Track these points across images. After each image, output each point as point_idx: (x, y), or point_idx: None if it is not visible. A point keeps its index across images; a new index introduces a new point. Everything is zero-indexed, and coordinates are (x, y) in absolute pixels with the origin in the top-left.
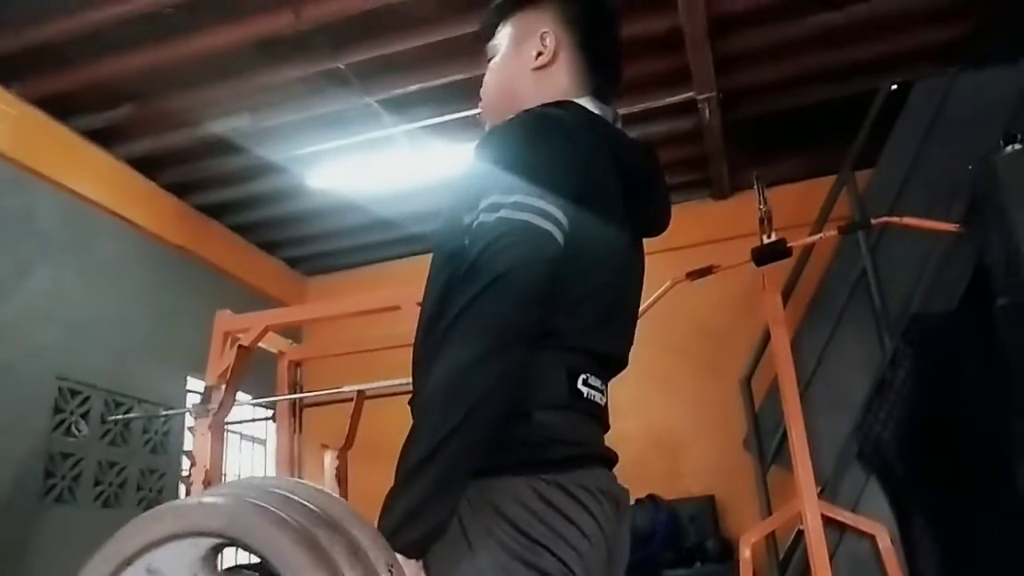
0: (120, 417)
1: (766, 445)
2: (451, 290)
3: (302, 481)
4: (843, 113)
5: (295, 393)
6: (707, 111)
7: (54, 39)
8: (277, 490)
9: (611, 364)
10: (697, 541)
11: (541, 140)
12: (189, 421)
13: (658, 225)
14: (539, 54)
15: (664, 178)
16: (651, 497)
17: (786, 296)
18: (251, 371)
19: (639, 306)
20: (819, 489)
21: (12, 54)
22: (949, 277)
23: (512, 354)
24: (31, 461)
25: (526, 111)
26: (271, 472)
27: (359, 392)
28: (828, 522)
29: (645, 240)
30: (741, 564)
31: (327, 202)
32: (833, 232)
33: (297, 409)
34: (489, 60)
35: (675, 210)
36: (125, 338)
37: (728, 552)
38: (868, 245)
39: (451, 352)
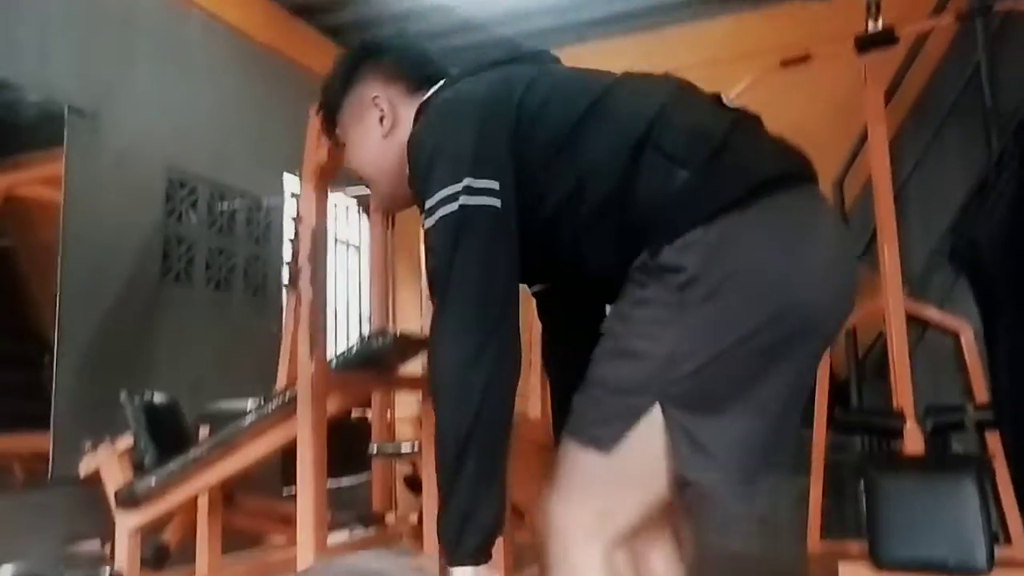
0: (226, 207)
1: (854, 247)
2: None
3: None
4: None
5: None
6: None
7: None
8: None
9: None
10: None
11: (436, 137)
12: (289, 211)
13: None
14: (382, 118)
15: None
16: None
17: (889, 96)
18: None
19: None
20: (905, 288)
21: None
22: None
23: (500, 336)
24: (150, 244)
25: (412, 133)
26: (365, 274)
27: None
28: (911, 319)
29: (742, 45)
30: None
31: (415, 4)
32: (948, 19)
33: None
34: (341, 145)
35: (770, 12)
36: (225, 136)
37: None
38: (986, 34)
39: (443, 351)
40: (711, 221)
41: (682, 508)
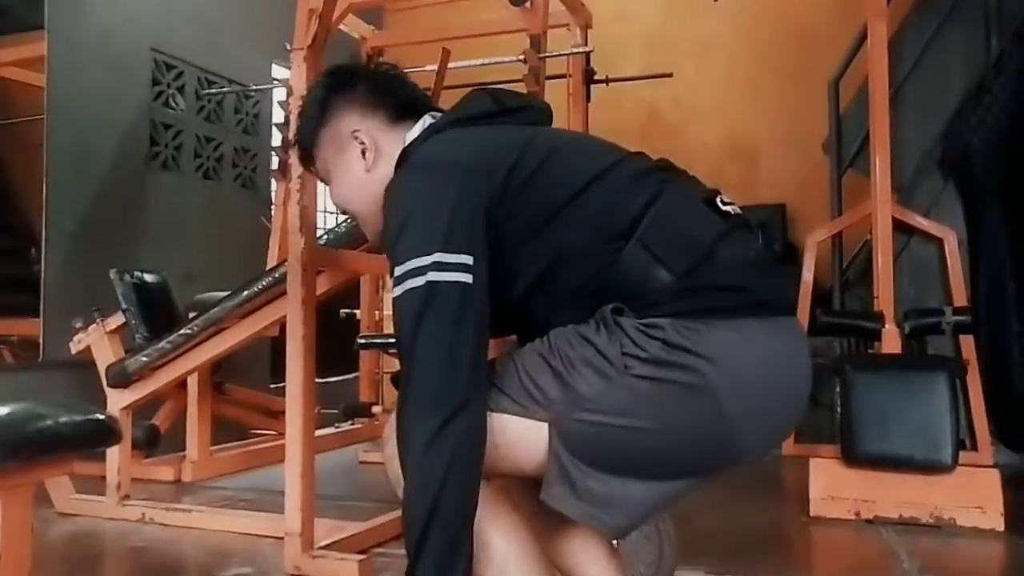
0: (214, 91)
1: (846, 149)
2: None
3: None
4: None
5: None
6: None
7: None
8: None
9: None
10: (765, 245)
11: (407, 204)
12: (279, 95)
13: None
14: (364, 151)
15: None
16: None
17: None
18: (334, 58)
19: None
20: (894, 194)
21: None
22: None
23: (459, 424)
24: (136, 127)
25: (392, 180)
26: None
27: (444, 50)
28: (897, 227)
29: None
30: (804, 260)
31: None
32: None
33: None
34: (324, 180)
35: None
36: (213, 17)
37: (793, 257)
38: None
39: (409, 431)
40: (684, 317)
41: None
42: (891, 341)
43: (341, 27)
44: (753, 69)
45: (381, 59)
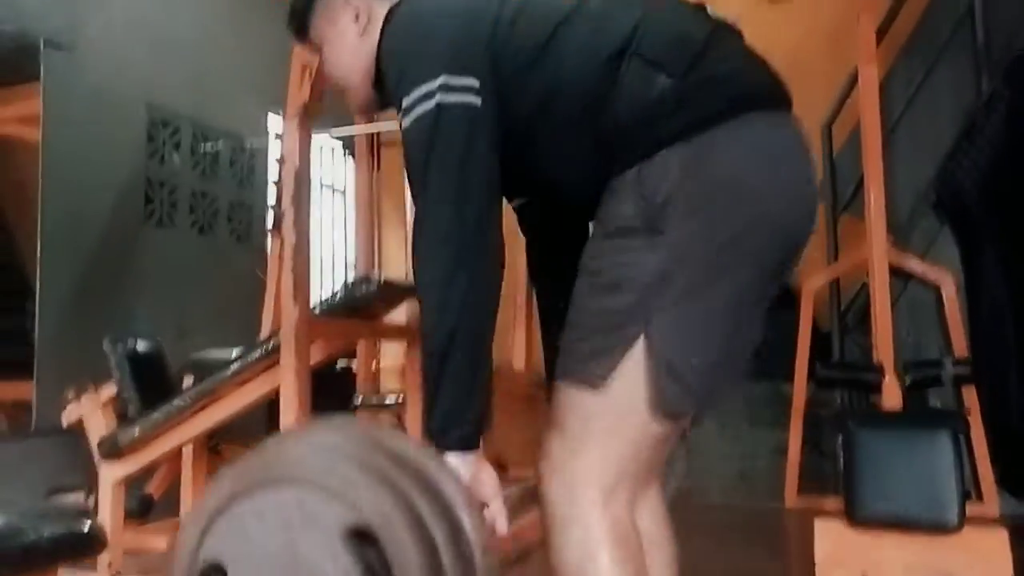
0: (209, 148)
1: (840, 192)
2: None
3: (401, 438)
4: None
5: (371, 124)
6: None
7: None
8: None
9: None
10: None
11: (412, 31)
12: (273, 153)
13: None
14: (356, 16)
15: None
16: None
17: (881, 34)
18: (330, 111)
19: None
20: (890, 237)
21: None
22: None
23: (473, 251)
24: (131, 185)
25: (384, 37)
26: (351, 218)
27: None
28: (895, 270)
29: None
30: (802, 307)
31: None
32: None
33: (375, 146)
34: (319, 52)
35: None
36: (207, 69)
37: (790, 299)
38: None
39: (426, 257)
40: (689, 136)
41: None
42: (892, 394)
43: None
44: None
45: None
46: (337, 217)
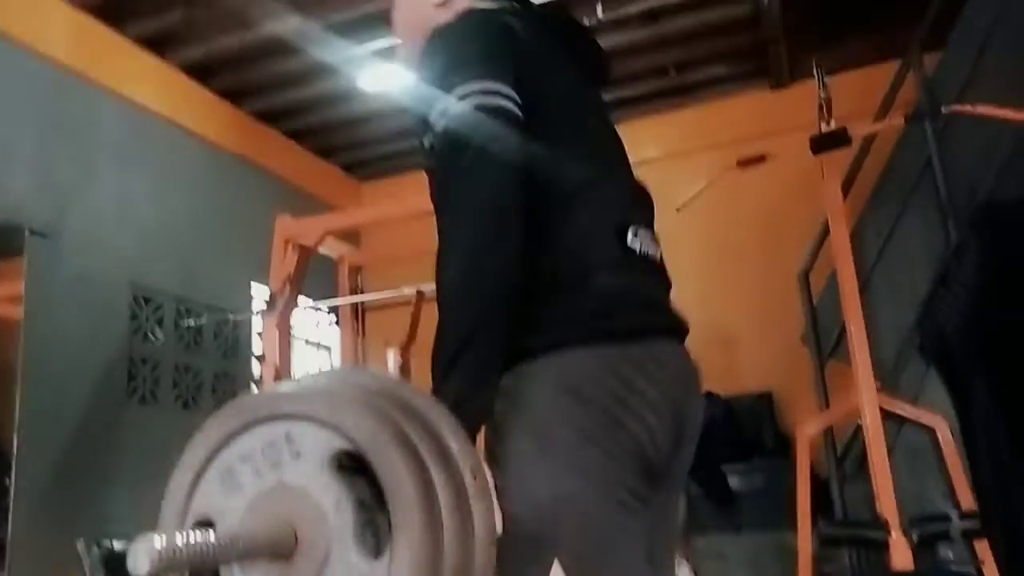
0: (192, 323)
1: (824, 339)
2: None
3: (391, 377)
4: None
5: (356, 295)
6: None
7: None
8: (373, 384)
9: (639, 201)
10: (754, 435)
11: (462, 36)
12: (257, 325)
13: (599, 67)
14: None
15: (585, 28)
16: (708, 394)
17: (847, 187)
18: (313, 276)
19: (622, 145)
20: (879, 383)
21: None
22: (1022, 164)
23: (510, 225)
24: (114, 365)
25: (438, 27)
26: None
27: (418, 292)
28: (887, 415)
29: (701, 138)
30: (799, 456)
31: (380, 105)
32: (898, 120)
33: (359, 312)
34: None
35: (733, 102)
36: (191, 245)
37: (786, 446)
38: (935, 132)
39: (454, 241)
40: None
41: None
42: (900, 552)
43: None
44: (725, 261)
45: (360, 275)
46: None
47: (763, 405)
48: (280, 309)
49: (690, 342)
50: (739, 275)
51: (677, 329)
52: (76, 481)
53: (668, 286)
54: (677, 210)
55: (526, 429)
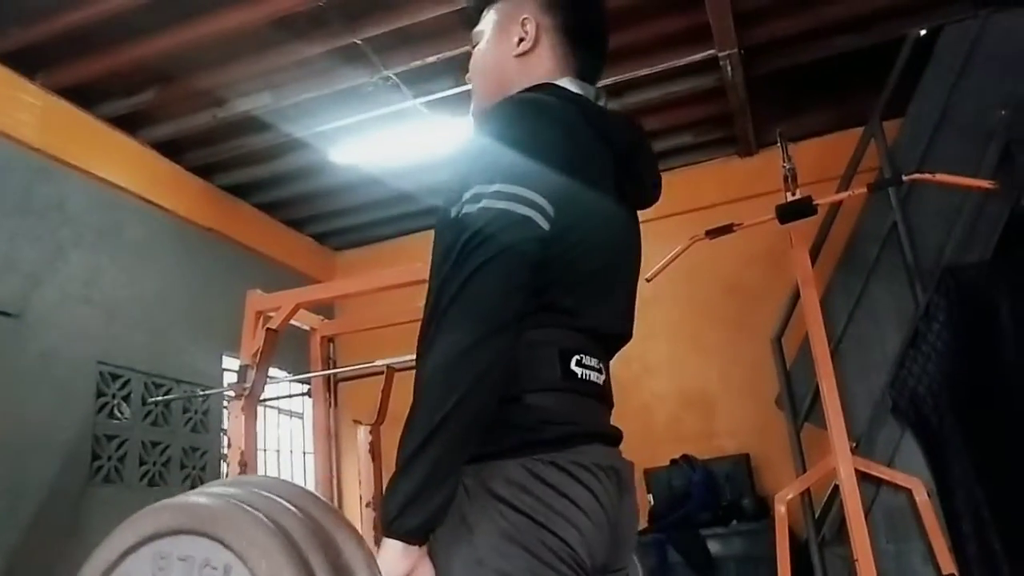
0: (160, 399)
1: (799, 403)
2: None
3: (289, 482)
4: (870, 61)
5: (328, 368)
6: (729, 67)
7: (75, 26)
8: (265, 492)
9: (611, 341)
10: (733, 499)
11: (521, 124)
12: (227, 399)
13: (649, 195)
14: (520, 40)
15: (650, 148)
16: (685, 457)
17: (815, 252)
18: (287, 346)
19: (636, 281)
20: (853, 445)
21: (35, 44)
22: (984, 227)
23: (501, 339)
24: (78, 444)
25: (507, 98)
26: (310, 446)
27: (388, 367)
28: (864, 477)
29: (670, 205)
30: (777, 521)
31: (351, 177)
32: (862, 189)
33: (332, 383)
34: (474, 46)
35: (700, 170)
36: (161, 320)
37: (764, 510)
38: (899, 199)
39: (442, 341)
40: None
41: None
42: None
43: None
44: (697, 325)
45: (332, 346)
46: (296, 440)
47: (741, 468)
48: (250, 385)
49: (667, 405)
50: (713, 339)
51: (609, 435)
52: (36, 561)
53: (610, 407)
54: (647, 279)
55: (453, 528)
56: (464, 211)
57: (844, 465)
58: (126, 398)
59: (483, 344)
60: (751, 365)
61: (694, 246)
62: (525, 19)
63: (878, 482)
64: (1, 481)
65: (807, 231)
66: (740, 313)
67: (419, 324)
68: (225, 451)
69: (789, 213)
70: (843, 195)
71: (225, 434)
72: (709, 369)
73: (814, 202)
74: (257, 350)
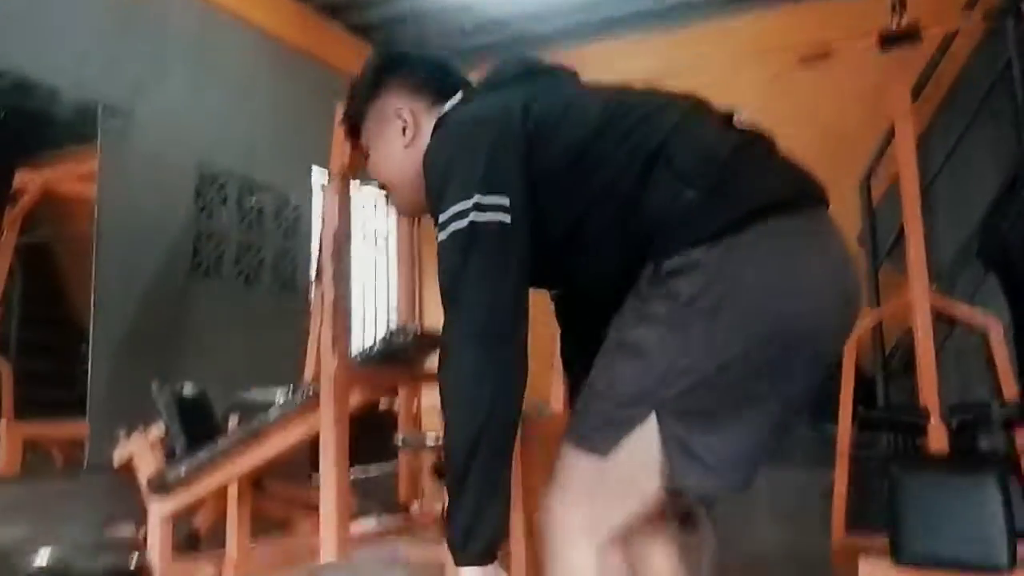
0: (255, 201)
1: (881, 244)
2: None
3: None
4: None
5: None
6: None
7: None
8: None
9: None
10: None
11: (450, 153)
12: (316, 207)
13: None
14: (404, 129)
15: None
16: None
17: (917, 91)
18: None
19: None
20: (933, 284)
21: None
22: None
23: (505, 352)
24: (181, 239)
25: (425, 154)
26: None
27: None
28: (938, 316)
29: (767, 41)
30: (845, 354)
31: (438, 2)
32: (976, 18)
33: None
34: (366, 156)
35: (793, 9)
36: (255, 133)
37: None
38: (1016, 34)
39: (453, 366)
40: (713, 241)
41: (693, 511)
42: (938, 438)
43: None
44: None
45: None
46: (380, 264)
47: None
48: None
49: None
50: None
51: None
52: (147, 341)
53: None
54: (738, 116)
55: None
56: (438, 240)
57: (920, 298)
58: (223, 200)
59: (493, 360)
60: (837, 209)
61: (792, 86)
62: (399, 109)
63: (952, 322)
64: (117, 266)
65: (909, 64)
66: (831, 158)
67: None
68: (315, 252)
69: (892, 39)
70: (953, 23)
71: (318, 237)
72: None
73: (919, 30)
74: (344, 162)
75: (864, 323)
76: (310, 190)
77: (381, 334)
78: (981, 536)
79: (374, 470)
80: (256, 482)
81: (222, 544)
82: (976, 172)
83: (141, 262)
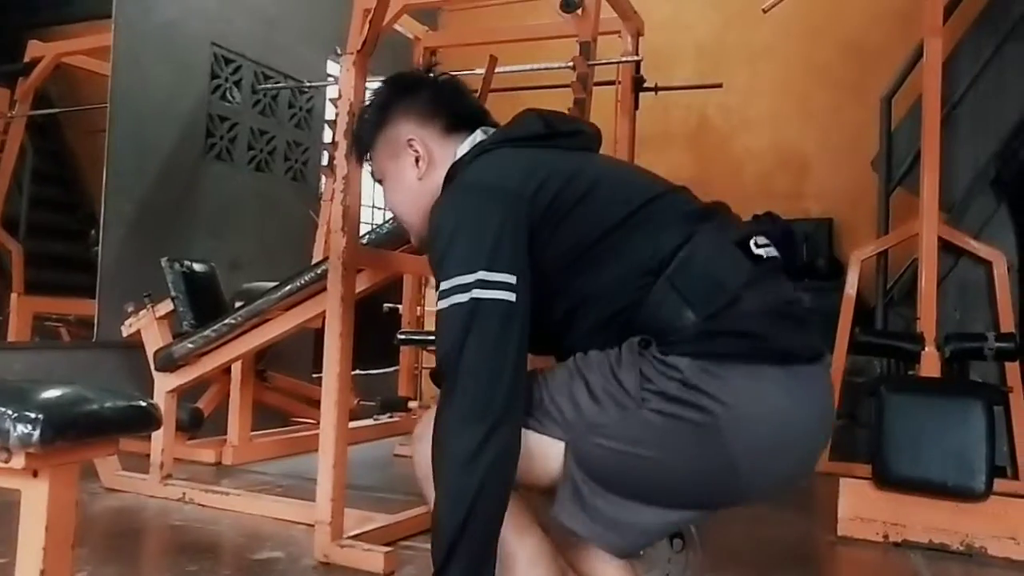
0: (269, 86)
1: (896, 168)
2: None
3: None
4: None
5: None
6: None
7: None
8: None
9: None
10: (809, 259)
11: (456, 223)
12: (331, 92)
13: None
14: (417, 159)
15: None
16: (769, 214)
17: (950, 10)
18: (387, 58)
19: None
20: (945, 215)
21: None
22: None
23: (500, 436)
24: (194, 119)
25: (434, 206)
26: None
27: (491, 57)
28: (945, 246)
29: None
30: (848, 273)
31: None
32: None
33: None
34: (378, 181)
35: None
36: (273, 14)
37: (838, 272)
38: None
39: (444, 450)
40: (703, 358)
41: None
42: (930, 364)
43: (396, 27)
44: (805, 81)
45: (435, 59)
46: None
47: (823, 231)
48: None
49: (760, 163)
50: (821, 102)
51: None
52: (157, 220)
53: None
54: (764, 10)
55: None
56: (438, 309)
57: (928, 229)
58: (237, 83)
59: (486, 443)
60: (854, 130)
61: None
62: (410, 140)
63: (959, 253)
64: (130, 141)
65: None
66: (855, 76)
67: (521, 44)
68: (331, 118)
69: None
70: None
71: (329, 124)
72: (809, 130)
73: None
74: (362, 45)
75: (870, 250)
76: (324, 83)
77: (391, 218)
78: (962, 461)
79: (376, 370)
80: (259, 373)
81: (224, 431)
82: (1003, 97)
83: (154, 140)
